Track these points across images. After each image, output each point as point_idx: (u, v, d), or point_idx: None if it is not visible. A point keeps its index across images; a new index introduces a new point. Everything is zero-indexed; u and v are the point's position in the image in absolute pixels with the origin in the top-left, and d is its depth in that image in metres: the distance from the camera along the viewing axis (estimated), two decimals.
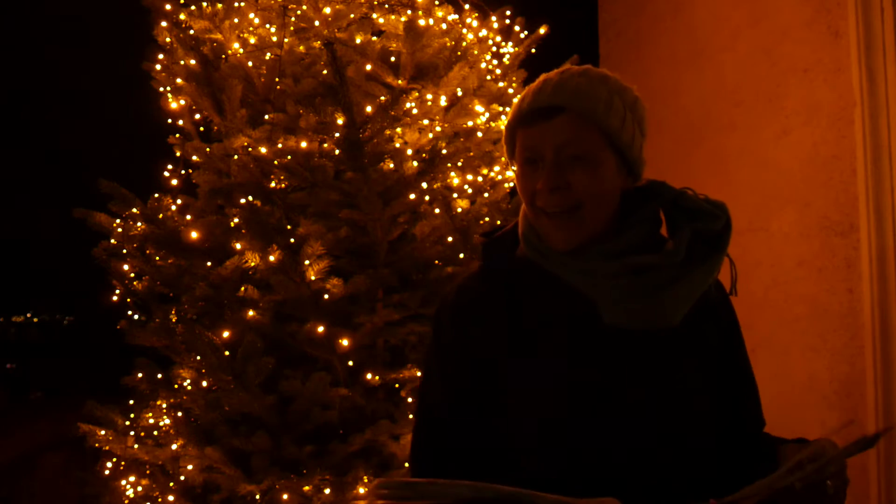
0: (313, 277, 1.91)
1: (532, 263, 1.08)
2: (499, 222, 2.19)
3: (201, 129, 2.36)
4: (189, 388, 2.04)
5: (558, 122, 1.04)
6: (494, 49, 2.45)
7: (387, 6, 2.33)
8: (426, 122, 2.14)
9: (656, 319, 1.02)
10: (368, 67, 2.15)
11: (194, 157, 2.20)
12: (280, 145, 2.05)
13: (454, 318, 1.10)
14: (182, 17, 2.25)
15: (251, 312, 1.96)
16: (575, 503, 0.80)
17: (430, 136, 2.15)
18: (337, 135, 2.03)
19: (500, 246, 1.15)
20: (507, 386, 1.03)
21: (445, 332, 1.11)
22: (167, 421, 2.06)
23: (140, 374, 2.20)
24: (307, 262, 1.90)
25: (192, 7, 2.25)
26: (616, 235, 1.07)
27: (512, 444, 1.03)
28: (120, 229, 2.15)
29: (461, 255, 2.11)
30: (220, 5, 2.23)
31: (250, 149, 2.06)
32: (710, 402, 1.06)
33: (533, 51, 2.51)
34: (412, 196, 2.04)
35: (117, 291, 2.22)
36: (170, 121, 2.36)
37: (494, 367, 1.04)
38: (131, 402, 2.23)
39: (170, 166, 2.37)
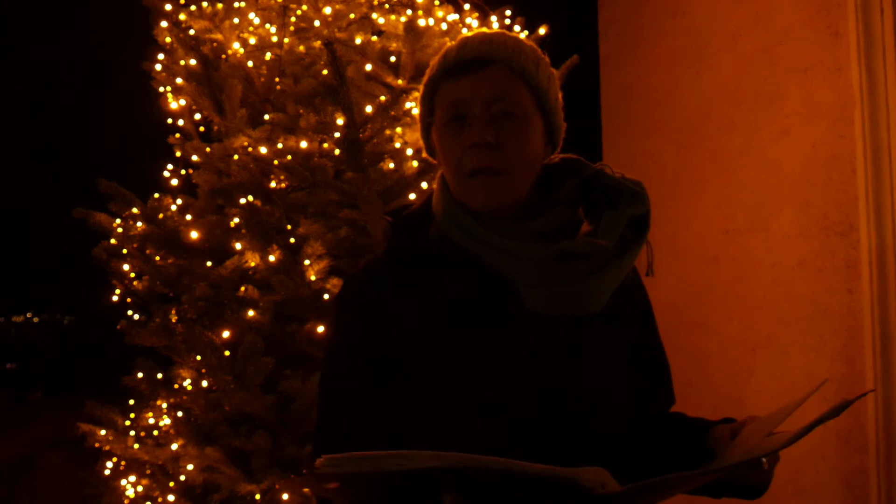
0: (313, 277, 1.91)
1: (448, 243, 1.00)
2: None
3: (201, 129, 2.36)
4: (189, 388, 2.04)
5: (488, 74, 0.98)
6: None
7: (387, 6, 2.33)
8: None
9: (580, 306, 0.97)
10: (368, 67, 2.15)
11: (194, 157, 2.20)
12: (280, 145, 2.06)
13: (359, 307, 1.02)
14: (182, 17, 2.25)
15: (251, 312, 1.96)
16: (556, 471, 0.75)
17: None
18: (337, 135, 2.03)
19: (410, 225, 1.06)
20: (419, 375, 0.96)
21: (349, 321, 1.03)
22: (167, 421, 2.06)
23: (140, 374, 2.20)
24: (307, 262, 1.90)
25: (192, 7, 2.25)
26: (541, 214, 1.01)
27: (424, 436, 0.94)
28: (120, 229, 2.15)
29: None
30: (220, 5, 2.24)
31: (250, 149, 2.06)
32: (625, 385, 1.03)
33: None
34: (412, 196, 2.04)
35: (117, 291, 2.22)
36: (170, 121, 2.36)
37: (404, 355, 0.97)
38: (131, 402, 2.23)
39: (170, 166, 2.36)
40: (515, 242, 0.97)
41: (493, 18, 2.46)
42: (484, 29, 1.07)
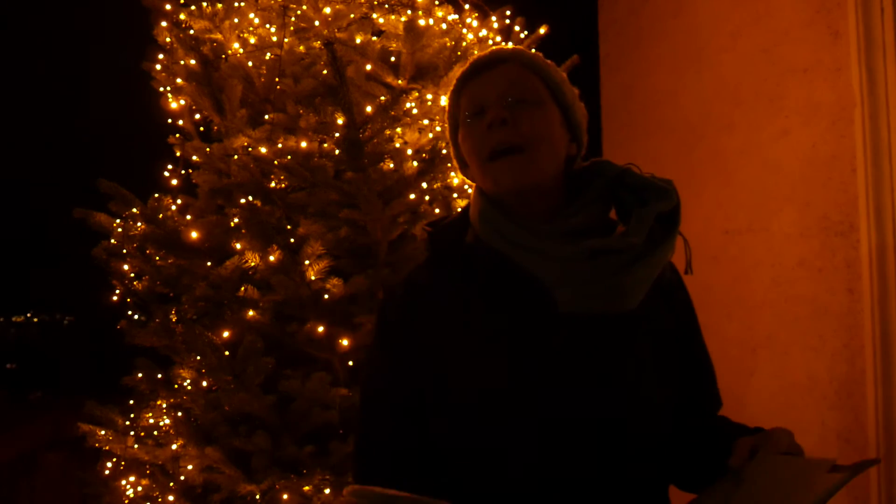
0: (313, 277, 1.91)
1: (484, 247, 1.04)
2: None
3: (201, 129, 2.36)
4: (189, 388, 2.04)
5: (502, 69, 1.07)
6: None
7: (387, 6, 2.33)
8: (426, 122, 2.13)
9: (614, 304, 0.98)
10: (368, 67, 2.15)
11: (194, 157, 2.20)
12: (280, 145, 2.05)
13: (399, 313, 1.07)
14: (182, 17, 2.25)
15: (251, 312, 1.96)
16: None
17: (430, 136, 2.15)
18: (337, 135, 2.03)
19: (448, 234, 1.12)
20: (458, 377, 0.99)
21: (391, 327, 1.08)
22: (167, 421, 2.06)
23: (140, 374, 2.20)
24: (307, 262, 1.90)
25: (192, 7, 2.25)
26: (570, 214, 1.04)
27: (459, 439, 0.98)
28: (120, 229, 2.15)
29: None
30: (220, 5, 2.23)
31: (250, 149, 2.05)
32: (664, 386, 1.02)
33: (533, 51, 2.50)
34: (412, 196, 2.04)
35: (117, 291, 2.22)
36: (170, 121, 2.36)
37: (445, 359, 1.00)
38: (131, 402, 2.22)
39: (170, 166, 2.36)
40: (545, 242, 1.00)
41: (493, 18, 2.46)
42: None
